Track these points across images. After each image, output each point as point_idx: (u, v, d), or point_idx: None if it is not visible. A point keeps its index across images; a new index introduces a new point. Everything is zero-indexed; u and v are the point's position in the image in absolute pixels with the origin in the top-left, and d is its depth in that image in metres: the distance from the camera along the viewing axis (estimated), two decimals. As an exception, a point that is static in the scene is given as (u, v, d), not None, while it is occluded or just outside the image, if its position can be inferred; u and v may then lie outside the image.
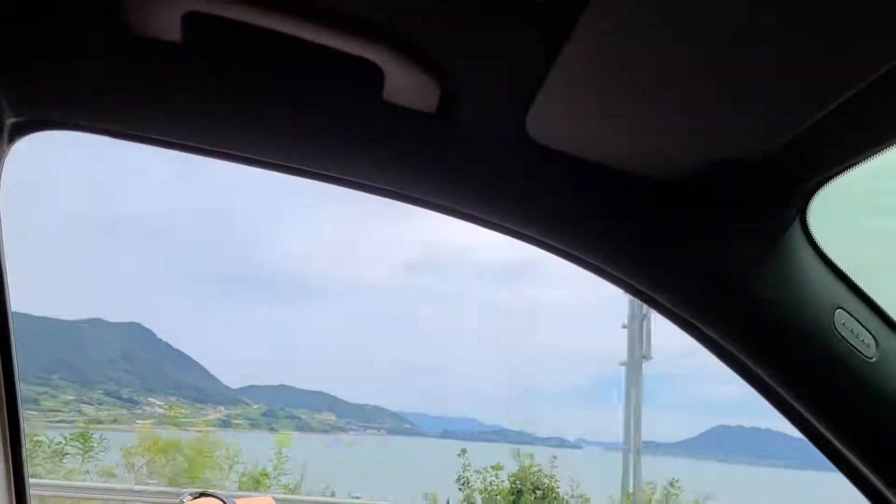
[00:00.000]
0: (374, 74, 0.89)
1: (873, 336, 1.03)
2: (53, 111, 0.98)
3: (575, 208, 1.07)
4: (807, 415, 1.08)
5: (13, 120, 0.98)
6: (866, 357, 1.02)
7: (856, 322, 1.02)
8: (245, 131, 1.01)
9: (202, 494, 1.05)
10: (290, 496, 10.99)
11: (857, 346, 1.01)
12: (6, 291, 1.19)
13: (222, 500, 1.05)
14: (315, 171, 1.06)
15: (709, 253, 1.04)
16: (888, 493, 1.12)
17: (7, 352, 1.21)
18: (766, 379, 1.08)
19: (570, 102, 0.92)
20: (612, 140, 0.98)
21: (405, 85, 0.92)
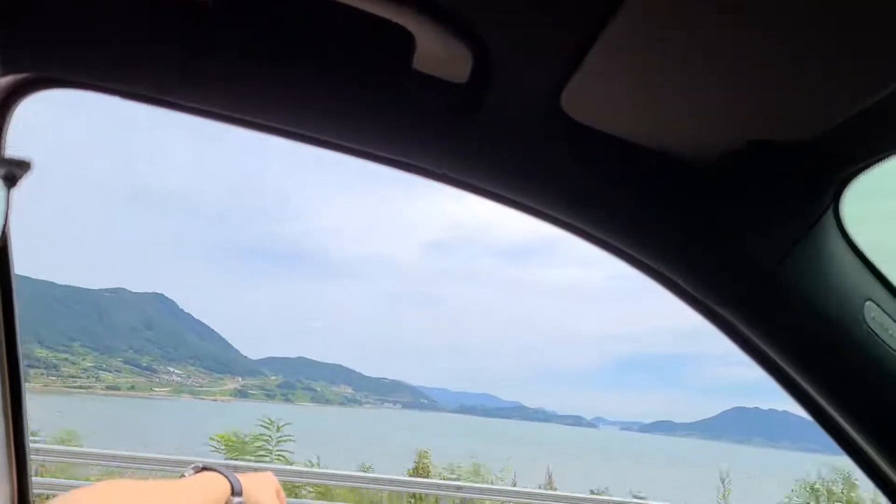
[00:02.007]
0: (406, 41, 0.87)
1: None
2: (68, 69, 0.96)
3: (604, 188, 1.05)
4: (830, 409, 1.06)
5: (24, 75, 0.97)
6: (895, 351, 0.99)
7: (886, 315, 1.00)
8: (268, 98, 0.99)
9: (205, 468, 1.00)
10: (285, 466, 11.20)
11: (886, 340, 0.98)
12: (10, 259, 1.19)
13: (224, 475, 0.99)
14: (340, 142, 1.03)
15: (738, 239, 1.01)
16: None
17: (10, 318, 1.21)
18: (790, 371, 1.06)
19: (608, 79, 0.89)
20: (650, 119, 0.96)
21: (437, 53, 0.89)
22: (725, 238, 1.02)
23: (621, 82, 0.89)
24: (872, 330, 0.98)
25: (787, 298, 1.00)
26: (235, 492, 0.99)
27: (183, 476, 0.99)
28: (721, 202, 1.01)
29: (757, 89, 0.86)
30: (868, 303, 0.99)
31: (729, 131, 0.95)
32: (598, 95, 0.92)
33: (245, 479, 1.02)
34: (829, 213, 0.99)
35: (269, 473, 1.10)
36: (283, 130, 1.03)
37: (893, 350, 0.99)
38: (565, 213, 1.09)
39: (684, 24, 0.76)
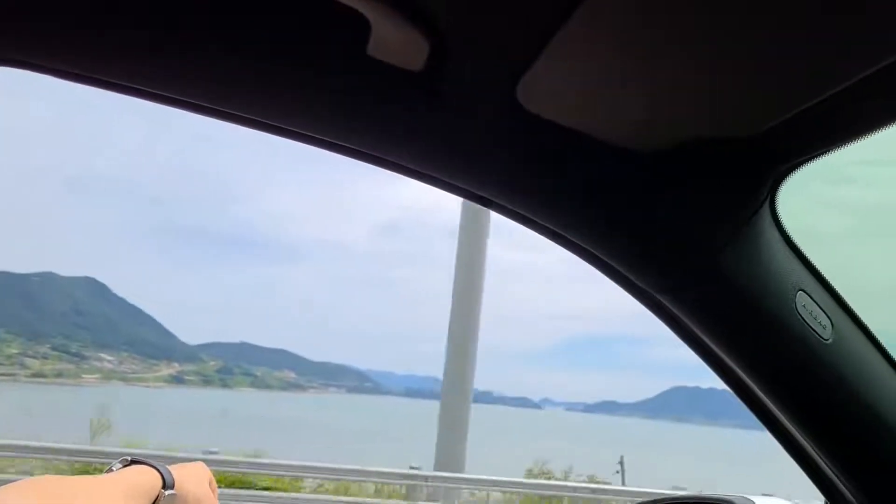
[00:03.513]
0: (360, 27, 0.86)
1: (830, 319, 1.06)
2: (10, 48, 0.91)
3: (553, 178, 1.06)
4: (760, 393, 1.13)
5: None
6: (823, 339, 1.04)
7: (815, 305, 1.05)
8: (216, 83, 0.96)
9: (134, 461, 0.96)
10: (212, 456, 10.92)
11: (815, 328, 1.04)
12: None
13: (154, 467, 0.96)
14: (291, 128, 1.02)
15: (679, 230, 1.04)
16: (834, 478, 1.17)
17: None
18: (723, 356, 1.11)
19: (564, 72, 0.90)
20: (601, 112, 0.97)
21: (392, 40, 0.88)
22: (666, 228, 1.04)
23: (577, 75, 0.90)
24: (803, 319, 1.03)
25: (724, 288, 1.04)
26: (167, 484, 0.97)
27: (110, 470, 0.96)
28: (664, 194, 1.03)
29: (706, 85, 0.88)
30: (800, 293, 1.04)
31: (676, 125, 0.97)
32: (553, 87, 0.93)
33: (177, 471, 1.00)
34: (766, 206, 1.03)
35: (202, 464, 1.08)
36: (234, 115, 1.00)
37: (822, 338, 1.04)
38: (514, 202, 1.09)
39: (641, 19, 0.78)
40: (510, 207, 1.10)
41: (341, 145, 1.04)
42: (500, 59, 0.90)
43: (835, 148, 0.96)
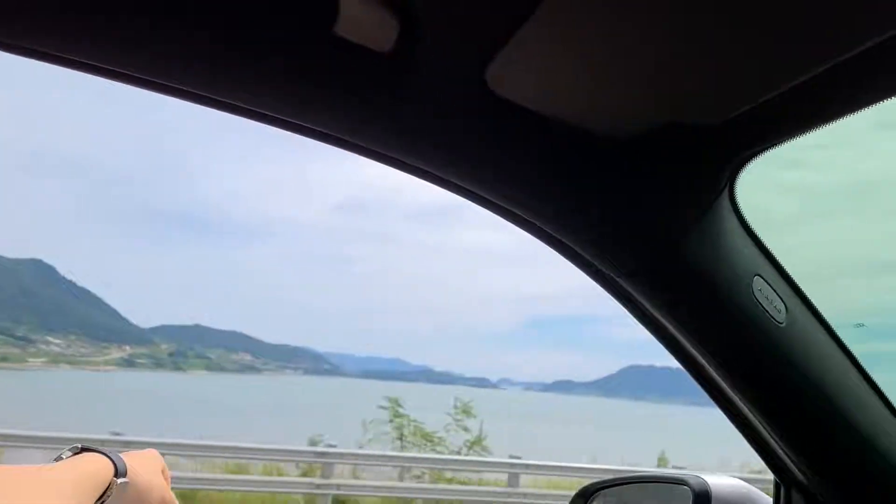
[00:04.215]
0: (328, 4, 0.84)
1: (784, 303, 1.08)
2: None
3: (518, 161, 1.05)
4: (715, 375, 1.14)
5: None
6: (777, 322, 1.07)
7: (770, 289, 1.07)
8: (177, 60, 0.92)
9: (84, 449, 0.93)
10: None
11: (770, 312, 1.06)
12: None
13: (106, 455, 0.93)
14: (254, 109, 0.99)
15: (640, 215, 1.05)
16: (784, 456, 1.21)
17: None
18: (681, 339, 1.13)
19: (533, 56, 0.90)
20: (570, 98, 0.97)
21: (361, 19, 0.86)
22: (629, 213, 1.05)
23: (545, 61, 0.91)
24: (759, 302, 1.05)
25: (683, 272, 1.05)
26: (119, 472, 0.94)
27: (60, 458, 0.92)
28: (627, 179, 1.04)
29: (671, 73, 0.89)
30: (756, 277, 1.06)
31: (641, 112, 0.98)
32: (522, 72, 0.93)
33: (129, 459, 0.97)
34: (726, 193, 1.05)
35: (154, 451, 1.05)
36: (195, 95, 0.97)
37: (776, 321, 1.06)
38: (479, 185, 1.08)
39: (609, 7, 0.79)
40: (475, 191, 1.09)
41: (306, 127, 1.02)
42: (470, 43, 0.89)
43: (794, 137, 0.98)
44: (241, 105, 0.99)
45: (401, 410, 13.70)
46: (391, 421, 13.56)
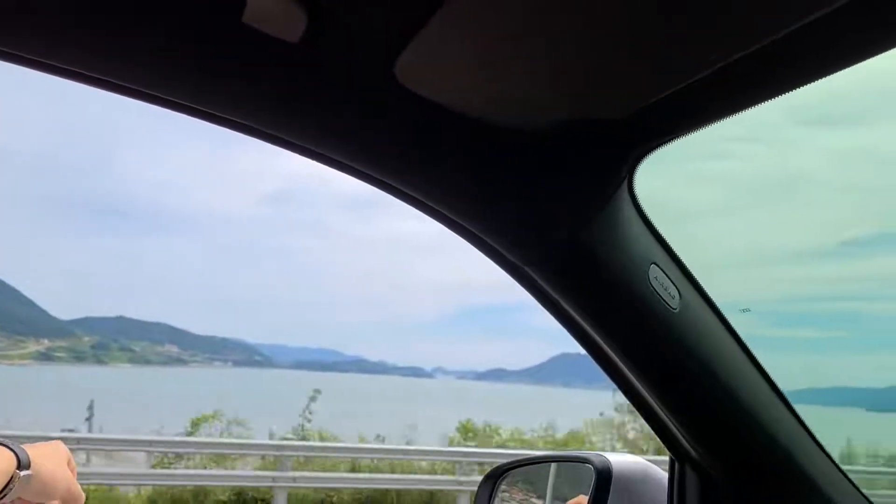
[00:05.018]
0: None
1: (678, 290, 1.14)
2: None
3: (428, 153, 1.08)
4: (617, 360, 1.20)
5: None
6: (671, 308, 1.13)
7: (665, 277, 1.13)
8: (88, 49, 0.91)
9: None
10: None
11: (664, 299, 1.12)
12: None
13: (8, 446, 0.92)
14: (165, 97, 0.98)
15: (545, 205, 1.09)
16: (679, 436, 1.26)
17: None
18: (585, 325, 1.17)
19: (443, 51, 0.91)
20: (477, 91, 0.99)
21: (269, 8, 0.86)
22: (533, 204, 1.09)
23: (453, 54, 0.92)
24: (655, 290, 1.11)
25: (585, 261, 1.10)
26: (22, 465, 0.93)
27: None
28: (532, 170, 1.07)
29: (573, 69, 0.93)
30: (652, 266, 1.12)
31: (545, 106, 1.01)
32: (431, 66, 0.95)
33: (33, 451, 0.96)
34: (625, 185, 1.09)
35: (60, 443, 1.04)
36: (106, 82, 0.95)
37: (670, 308, 1.12)
38: (391, 176, 1.10)
39: (516, 2, 0.80)
40: (388, 182, 1.11)
41: (217, 115, 1.01)
42: (379, 36, 0.90)
43: (691, 132, 1.02)
44: (153, 93, 0.98)
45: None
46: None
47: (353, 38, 0.91)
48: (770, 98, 0.92)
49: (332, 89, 0.99)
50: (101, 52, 0.92)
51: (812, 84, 0.89)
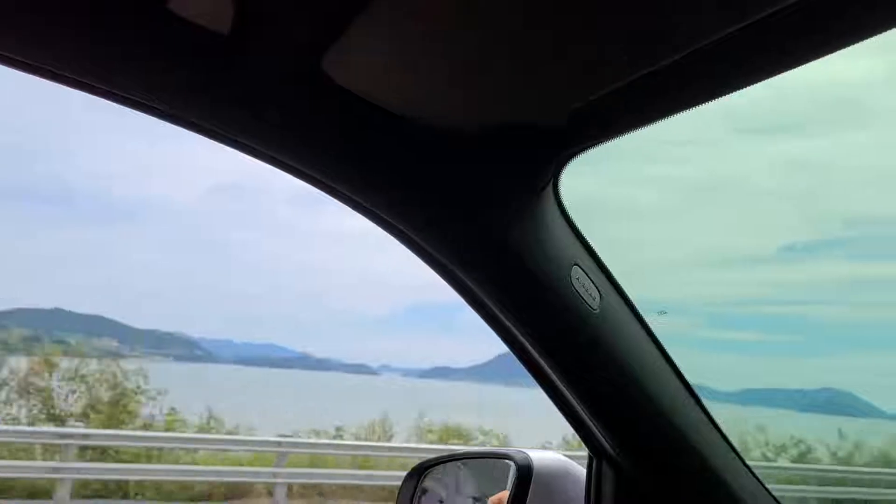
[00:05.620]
0: None
1: (598, 290, 1.16)
2: None
3: (359, 151, 1.08)
4: (540, 360, 1.22)
5: None
6: (592, 308, 1.15)
7: (587, 277, 1.15)
8: (15, 32, 0.89)
9: None
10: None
11: (585, 299, 1.14)
12: None
13: None
14: (93, 84, 0.95)
15: (473, 206, 1.10)
16: (596, 431, 1.30)
17: None
18: (510, 325, 1.19)
19: (371, 48, 0.92)
20: (407, 89, 1.00)
21: None
22: (461, 203, 1.10)
23: (381, 51, 0.93)
24: (576, 290, 1.13)
25: (509, 260, 1.11)
26: None
27: None
28: (459, 170, 1.08)
29: (501, 71, 0.94)
30: (574, 266, 1.14)
31: (472, 106, 1.03)
32: (359, 62, 0.95)
33: None
34: (550, 187, 1.12)
35: None
36: (35, 67, 0.93)
37: (591, 307, 1.15)
38: (321, 172, 1.10)
39: (443, 2, 0.81)
40: (316, 176, 1.10)
41: (147, 105, 0.99)
42: (306, 30, 0.90)
43: (617, 136, 1.05)
44: (80, 80, 0.96)
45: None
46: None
47: (281, 29, 0.90)
48: (697, 104, 0.94)
49: (259, 81, 0.98)
50: (27, 36, 0.90)
51: (745, 92, 0.89)
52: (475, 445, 14.81)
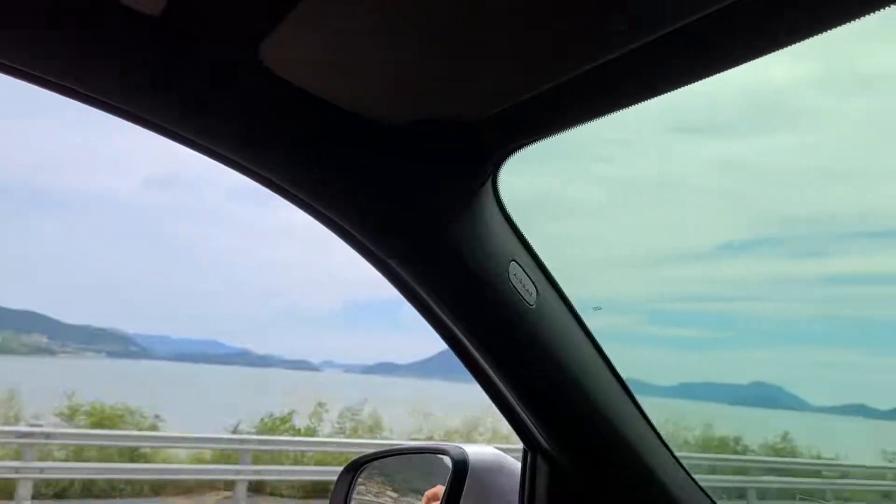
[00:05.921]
0: None
1: (535, 286, 1.17)
2: None
3: (297, 143, 1.06)
4: (476, 354, 1.23)
5: None
6: (529, 304, 1.16)
7: (524, 274, 1.16)
8: None
9: None
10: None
11: (522, 295, 1.15)
12: None
13: None
14: (23, 69, 0.92)
15: (410, 200, 1.10)
16: (531, 426, 1.31)
17: None
18: (446, 320, 1.20)
19: (310, 39, 0.91)
20: (345, 81, 0.99)
21: None
22: (397, 198, 1.09)
23: (319, 43, 0.91)
24: (514, 286, 1.14)
25: (446, 256, 1.11)
26: None
27: None
28: (397, 165, 1.08)
29: (438, 68, 0.94)
30: (512, 263, 1.14)
31: (411, 102, 1.02)
32: (298, 53, 0.94)
33: None
34: (489, 183, 1.12)
35: None
36: None
37: (528, 303, 1.15)
38: (258, 164, 1.08)
39: None
40: (251, 167, 1.08)
41: (78, 91, 0.95)
42: (243, 17, 0.88)
43: (555, 133, 1.05)
44: (11, 65, 0.91)
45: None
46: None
47: (218, 14, 0.88)
48: (633, 104, 0.95)
49: (193, 66, 0.95)
50: None
51: (680, 92, 0.90)
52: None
